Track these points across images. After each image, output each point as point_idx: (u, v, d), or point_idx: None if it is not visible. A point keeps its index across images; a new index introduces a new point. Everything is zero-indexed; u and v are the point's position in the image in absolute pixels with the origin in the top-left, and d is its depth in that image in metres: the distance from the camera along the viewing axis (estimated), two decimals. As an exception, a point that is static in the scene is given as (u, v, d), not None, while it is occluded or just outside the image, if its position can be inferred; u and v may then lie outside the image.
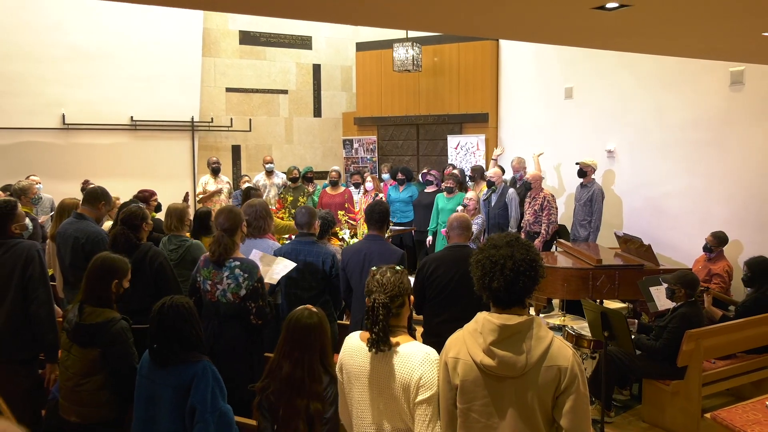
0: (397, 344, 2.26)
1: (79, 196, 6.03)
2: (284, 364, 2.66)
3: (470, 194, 6.48)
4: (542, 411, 2.03)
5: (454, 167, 8.87)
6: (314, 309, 2.78)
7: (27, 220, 3.91)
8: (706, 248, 6.03)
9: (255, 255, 4.02)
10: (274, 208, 7.93)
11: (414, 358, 2.20)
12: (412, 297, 2.38)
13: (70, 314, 3.10)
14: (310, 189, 8.91)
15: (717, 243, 5.97)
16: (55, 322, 3.56)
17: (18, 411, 3.53)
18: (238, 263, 3.60)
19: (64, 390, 3.04)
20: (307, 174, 8.96)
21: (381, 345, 2.22)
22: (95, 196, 4.54)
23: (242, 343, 3.61)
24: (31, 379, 3.59)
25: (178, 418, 2.69)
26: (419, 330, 4.11)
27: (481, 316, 2.11)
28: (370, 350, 2.25)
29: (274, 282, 3.90)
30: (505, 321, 2.04)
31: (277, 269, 3.93)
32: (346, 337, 2.45)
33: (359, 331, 2.42)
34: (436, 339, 3.45)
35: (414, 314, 2.57)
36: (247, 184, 8.50)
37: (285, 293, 4.30)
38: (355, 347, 2.36)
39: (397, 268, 2.37)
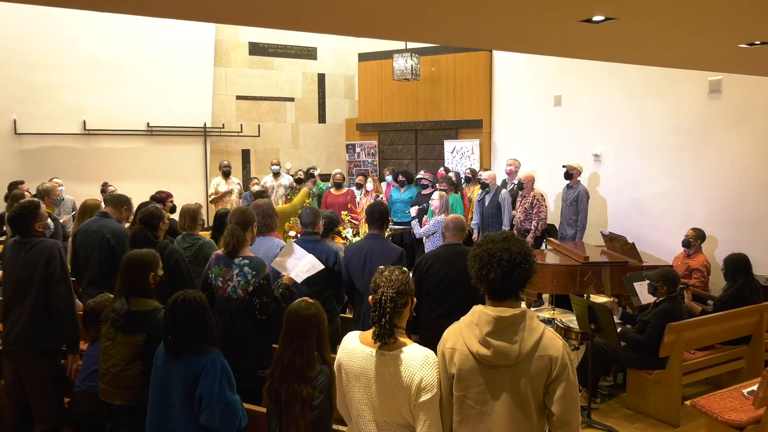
0: (398, 345, 2.20)
1: (99, 198, 6.04)
2: (286, 354, 2.66)
3: (435, 195, 6.45)
4: (534, 398, 2.03)
5: (448, 170, 8.87)
6: (311, 300, 2.77)
7: (48, 220, 3.90)
8: (685, 243, 6.01)
9: (298, 250, 3.92)
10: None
11: (414, 361, 2.15)
12: (414, 299, 2.33)
13: (117, 304, 3.10)
14: (318, 186, 8.91)
15: (696, 236, 5.98)
16: (75, 316, 3.56)
17: (41, 398, 3.54)
18: (246, 261, 3.60)
19: (108, 376, 3.06)
20: (309, 171, 8.98)
21: (386, 338, 2.17)
22: (120, 201, 4.61)
23: (252, 335, 3.60)
24: (54, 369, 3.58)
25: (188, 405, 2.71)
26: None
27: (477, 309, 2.11)
28: (375, 342, 2.20)
29: (299, 281, 3.82)
30: (500, 313, 2.04)
31: (303, 268, 3.83)
32: (344, 338, 2.37)
33: (358, 332, 2.35)
34: (432, 333, 3.43)
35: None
36: (256, 186, 8.54)
37: (293, 287, 4.22)
38: (353, 349, 2.29)
39: (404, 269, 2.33)
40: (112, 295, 3.31)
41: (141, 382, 3.02)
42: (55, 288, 3.46)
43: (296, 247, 3.95)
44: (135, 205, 5.14)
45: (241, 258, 3.61)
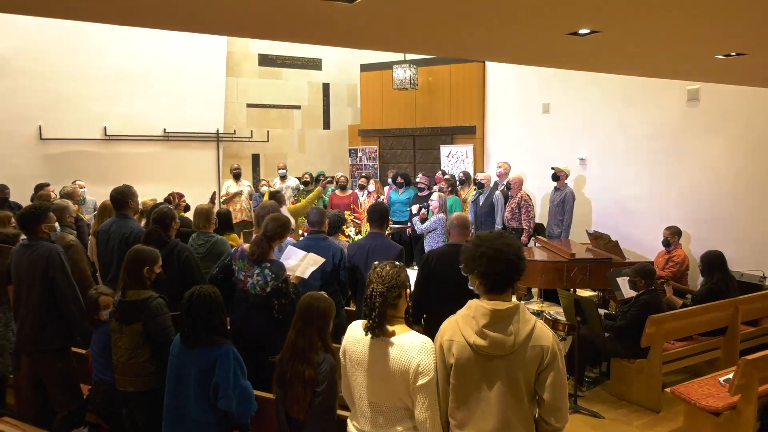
0: (395, 333, 2.20)
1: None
2: (292, 335, 2.67)
3: (434, 196, 6.45)
4: (526, 385, 2.03)
5: (445, 173, 8.86)
6: (326, 295, 2.77)
7: (55, 224, 3.86)
8: (665, 243, 6.02)
9: (293, 252, 3.92)
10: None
11: (412, 347, 2.15)
12: (409, 290, 2.31)
13: (116, 298, 3.14)
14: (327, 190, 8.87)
15: (672, 233, 5.99)
16: (84, 313, 3.52)
17: (56, 389, 3.52)
18: (269, 265, 3.56)
19: (119, 366, 3.07)
20: (319, 177, 8.95)
21: (377, 330, 2.17)
22: (121, 201, 4.38)
23: (265, 328, 3.58)
24: (65, 363, 3.54)
25: (202, 392, 2.71)
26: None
27: (474, 303, 2.11)
28: (366, 334, 2.20)
29: (305, 276, 3.78)
30: (496, 306, 2.04)
31: (307, 265, 3.80)
32: (350, 325, 2.37)
33: (362, 321, 2.34)
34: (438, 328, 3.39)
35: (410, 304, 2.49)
36: (265, 188, 8.53)
37: (303, 283, 4.17)
38: (357, 336, 2.30)
39: (396, 263, 2.33)
40: (114, 289, 3.33)
41: (149, 368, 3.04)
42: (60, 293, 3.43)
43: (294, 249, 3.94)
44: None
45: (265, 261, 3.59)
